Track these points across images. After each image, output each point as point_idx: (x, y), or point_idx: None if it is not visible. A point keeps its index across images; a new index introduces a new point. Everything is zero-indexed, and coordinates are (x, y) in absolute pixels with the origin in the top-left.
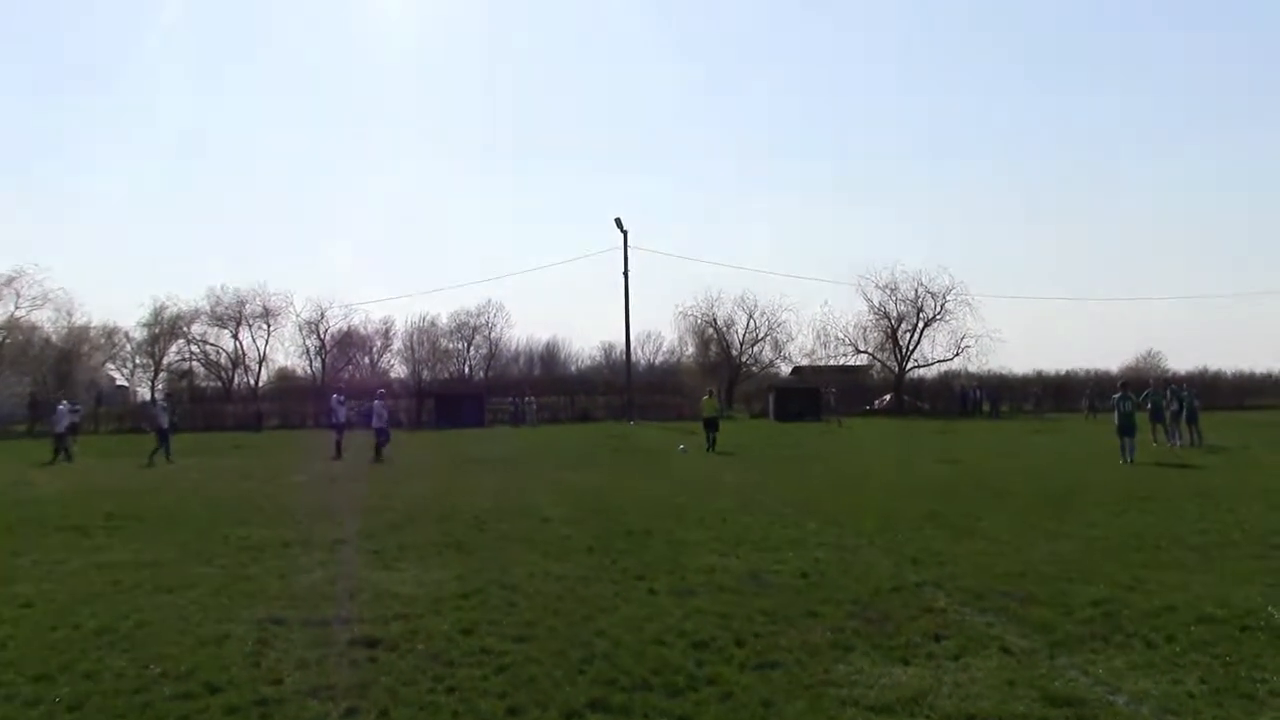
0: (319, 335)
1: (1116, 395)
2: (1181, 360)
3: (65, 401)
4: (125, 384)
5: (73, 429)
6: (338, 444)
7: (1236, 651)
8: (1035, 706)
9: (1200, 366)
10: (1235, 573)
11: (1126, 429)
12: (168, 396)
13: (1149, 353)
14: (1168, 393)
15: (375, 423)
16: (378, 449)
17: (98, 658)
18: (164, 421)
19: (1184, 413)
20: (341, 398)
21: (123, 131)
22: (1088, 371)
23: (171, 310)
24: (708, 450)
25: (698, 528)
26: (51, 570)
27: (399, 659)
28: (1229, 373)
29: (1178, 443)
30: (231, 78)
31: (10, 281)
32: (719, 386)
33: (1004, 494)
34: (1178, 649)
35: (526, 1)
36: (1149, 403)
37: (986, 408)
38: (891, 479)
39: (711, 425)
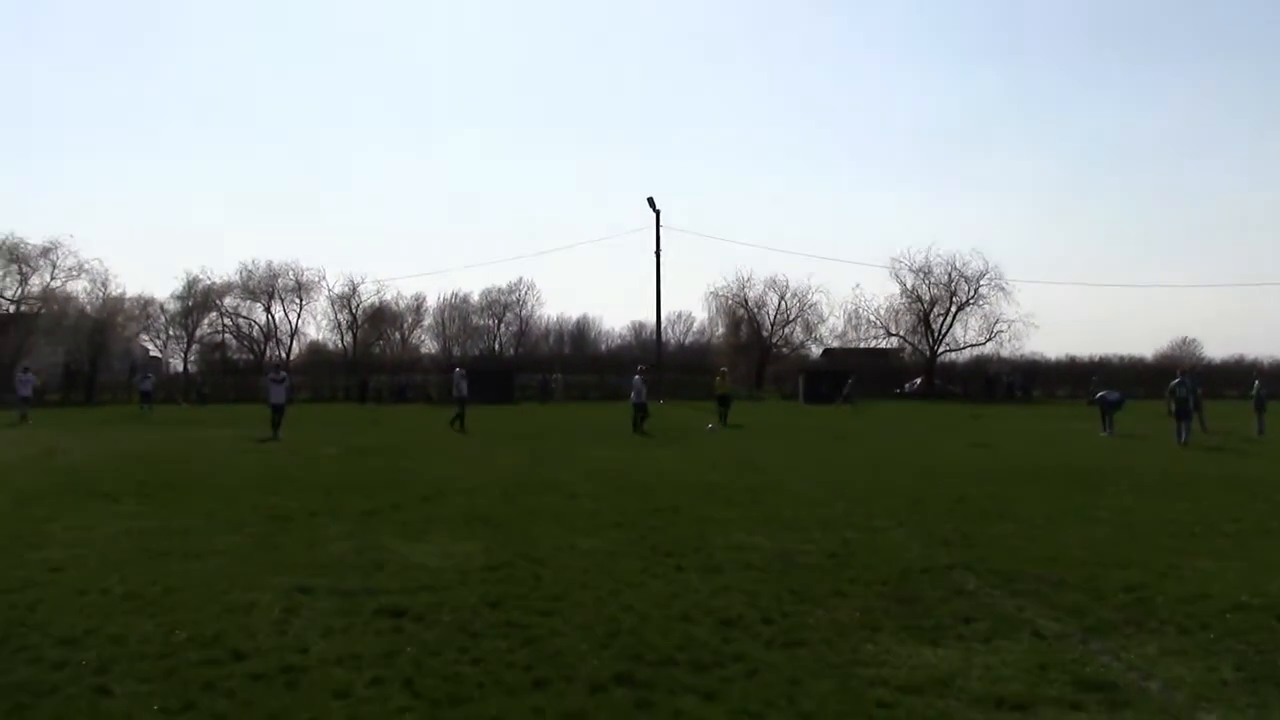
0: (351, 310)
1: (1175, 381)
2: (1217, 348)
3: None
4: (159, 355)
5: (146, 396)
6: (458, 416)
7: (1272, 640)
8: (1067, 691)
9: (1236, 354)
10: (1271, 562)
11: (1184, 413)
12: (279, 370)
13: (1184, 340)
14: (1255, 383)
15: (635, 398)
16: (638, 421)
17: (125, 622)
18: (280, 397)
19: (1255, 401)
20: (463, 371)
21: (157, 104)
22: (1121, 358)
23: (205, 283)
24: (719, 425)
25: (726, 506)
26: (82, 536)
27: (425, 629)
28: (1266, 361)
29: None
30: (263, 48)
31: (46, 252)
32: (749, 367)
33: (1035, 478)
34: (1211, 636)
35: None
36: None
37: (1019, 393)
38: (921, 462)
39: (724, 402)
